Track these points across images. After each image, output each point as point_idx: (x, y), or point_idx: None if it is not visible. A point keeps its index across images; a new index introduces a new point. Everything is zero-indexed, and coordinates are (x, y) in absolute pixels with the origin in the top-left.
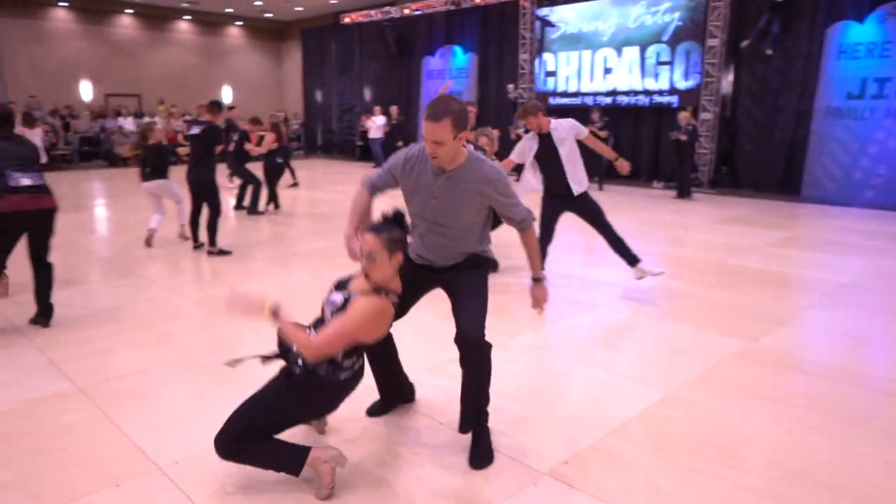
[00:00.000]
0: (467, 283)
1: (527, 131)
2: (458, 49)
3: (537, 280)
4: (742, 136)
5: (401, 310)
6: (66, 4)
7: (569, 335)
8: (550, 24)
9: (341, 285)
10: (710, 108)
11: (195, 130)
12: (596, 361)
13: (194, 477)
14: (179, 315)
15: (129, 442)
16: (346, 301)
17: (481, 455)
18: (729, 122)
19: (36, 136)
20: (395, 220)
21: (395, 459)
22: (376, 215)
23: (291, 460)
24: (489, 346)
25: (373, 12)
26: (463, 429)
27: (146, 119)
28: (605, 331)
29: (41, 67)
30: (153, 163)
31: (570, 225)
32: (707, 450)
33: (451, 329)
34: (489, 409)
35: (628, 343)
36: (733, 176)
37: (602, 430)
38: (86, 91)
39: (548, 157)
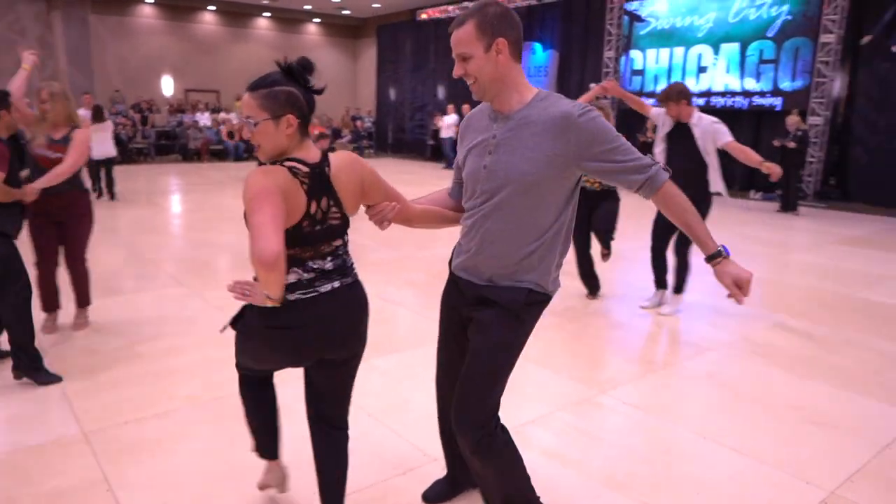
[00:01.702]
0: (483, 330)
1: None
2: (537, 46)
3: (716, 257)
4: (856, 144)
5: (448, 366)
6: (153, 1)
7: (679, 392)
8: (640, 19)
9: None
10: (820, 112)
11: None
12: (720, 434)
13: None
14: (220, 339)
15: None
16: None
17: None
18: (840, 129)
19: (106, 130)
20: (287, 71)
21: None
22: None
23: None
24: (495, 436)
25: (450, 8)
26: None
27: (223, 114)
28: (725, 387)
29: (126, 62)
30: None
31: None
32: None
33: (535, 377)
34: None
35: (760, 408)
36: (843, 189)
37: None
38: (167, 86)
39: (677, 147)
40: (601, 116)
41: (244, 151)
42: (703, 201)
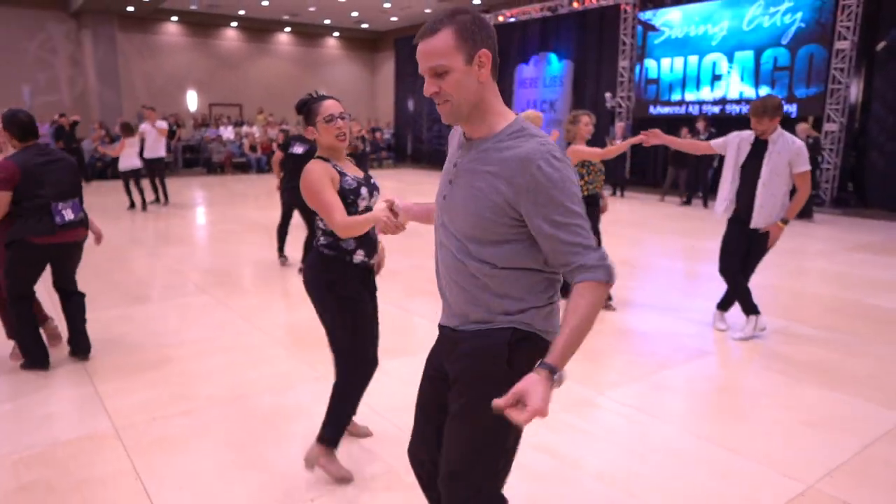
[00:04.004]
0: (458, 403)
1: None
2: (552, 56)
3: (547, 370)
4: (872, 149)
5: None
6: (177, 19)
7: (675, 393)
8: (654, 29)
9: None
10: (836, 118)
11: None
12: (712, 433)
13: None
14: (241, 344)
15: None
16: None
17: None
18: (857, 135)
19: (133, 145)
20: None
21: None
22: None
23: None
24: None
25: None
26: None
27: (245, 128)
28: (721, 390)
29: (153, 79)
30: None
31: (668, 248)
32: None
33: None
34: None
35: (752, 409)
36: (860, 195)
37: None
38: (192, 101)
39: (751, 168)
40: (569, 168)
41: (266, 164)
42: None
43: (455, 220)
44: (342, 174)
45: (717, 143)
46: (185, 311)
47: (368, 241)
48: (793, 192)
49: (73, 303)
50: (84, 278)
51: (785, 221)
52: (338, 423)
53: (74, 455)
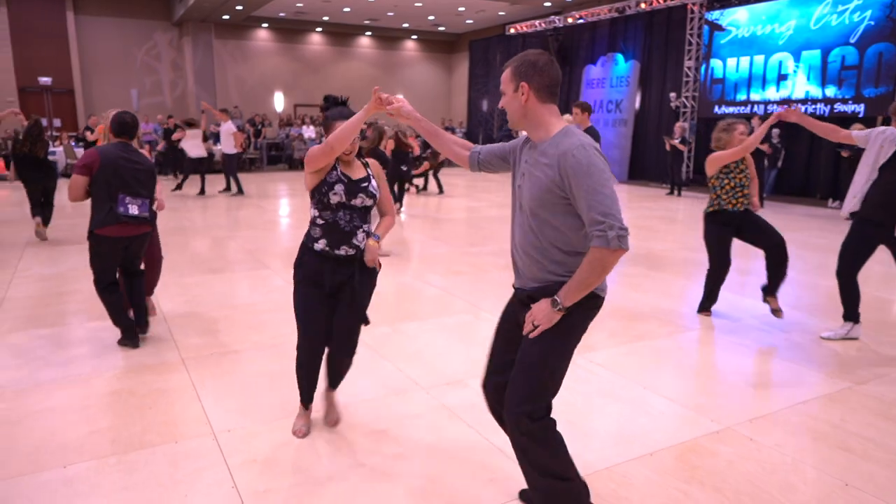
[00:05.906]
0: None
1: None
2: (619, 57)
3: (551, 299)
4: None
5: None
6: (267, 26)
7: (641, 357)
8: (720, 28)
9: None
10: None
11: None
12: (661, 386)
13: (237, 444)
14: (286, 306)
15: (200, 409)
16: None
17: None
18: None
19: (195, 137)
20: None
21: None
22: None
23: None
24: (536, 427)
25: (538, 22)
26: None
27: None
28: (688, 356)
29: (244, 81)
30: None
31: (696, 241)
32: (735, 493)
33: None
34: None
35: (709, 372)
36: None
37: (630, 454)
38: (278, 101)
39: (892, 169)
40: (598, 156)
41: None
42: None
43: (528, 201)
44: (333, 168)
45: (858, 135)
46: (248, 280)
47: (333, 233)
48: None
49: (136, 282)
50: (172, 253)
51: None
52: (299, 383)
53: (150, 373)
